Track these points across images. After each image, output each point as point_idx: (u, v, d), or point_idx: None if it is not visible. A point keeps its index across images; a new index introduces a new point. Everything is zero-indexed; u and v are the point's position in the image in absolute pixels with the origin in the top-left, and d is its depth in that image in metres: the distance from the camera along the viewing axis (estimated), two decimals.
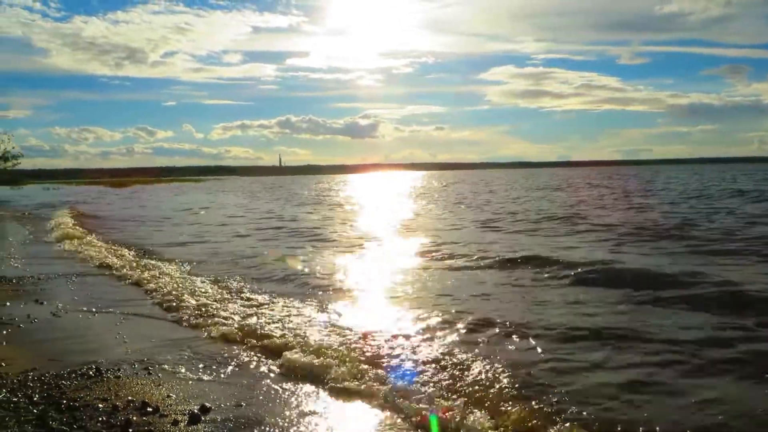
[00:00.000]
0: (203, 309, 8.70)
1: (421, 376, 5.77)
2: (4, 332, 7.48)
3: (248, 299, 9.45)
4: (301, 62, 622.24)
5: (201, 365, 6.26)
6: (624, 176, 74.90)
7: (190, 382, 5.75)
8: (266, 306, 8.90)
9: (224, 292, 10.07)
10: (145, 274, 11.65)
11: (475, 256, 12.70)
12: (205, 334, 7.49)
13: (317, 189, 64.85)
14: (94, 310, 8.87)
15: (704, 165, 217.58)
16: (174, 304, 9.14)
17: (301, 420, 4.90)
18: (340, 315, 8.28)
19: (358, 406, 5.22)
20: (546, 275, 10.55)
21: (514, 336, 6.95)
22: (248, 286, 10.52)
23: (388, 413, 5.06)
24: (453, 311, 8.10)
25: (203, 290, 10.20)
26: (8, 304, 9.11)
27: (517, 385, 5.39)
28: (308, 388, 5.62)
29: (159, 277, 11.39)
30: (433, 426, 4.80)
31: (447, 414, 4.91)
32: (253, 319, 8.03)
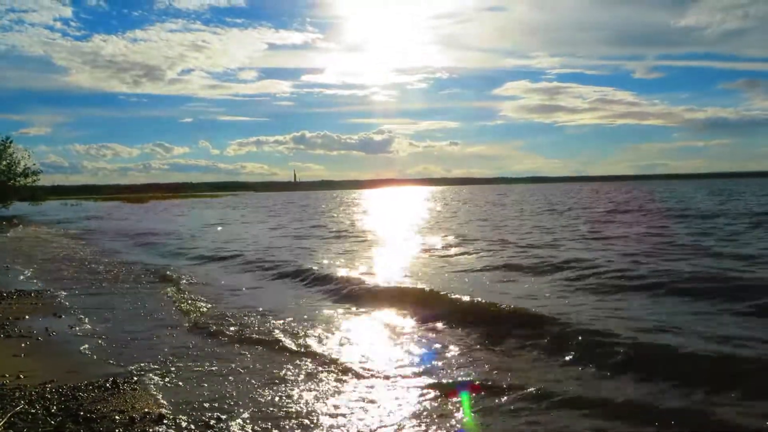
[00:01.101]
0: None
1: None
2: (23, 345, 7.56)
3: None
4: (316, 78, 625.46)
5: (218, 376, 6.28)
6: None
7: (207, 392, 5.76)
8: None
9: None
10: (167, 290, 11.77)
11: None
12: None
13: (333, 210, 64.74)
14: (111, 323, 8.96)
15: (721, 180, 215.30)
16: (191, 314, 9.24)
17: (331, 409, 4.89)
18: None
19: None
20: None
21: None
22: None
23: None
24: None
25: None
26: (27, 317, 9.22)
27: None
28: (332, 383, 5.61)
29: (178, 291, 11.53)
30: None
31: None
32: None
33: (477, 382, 5.82)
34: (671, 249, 14.70)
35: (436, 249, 17.20)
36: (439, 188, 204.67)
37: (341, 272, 12.66)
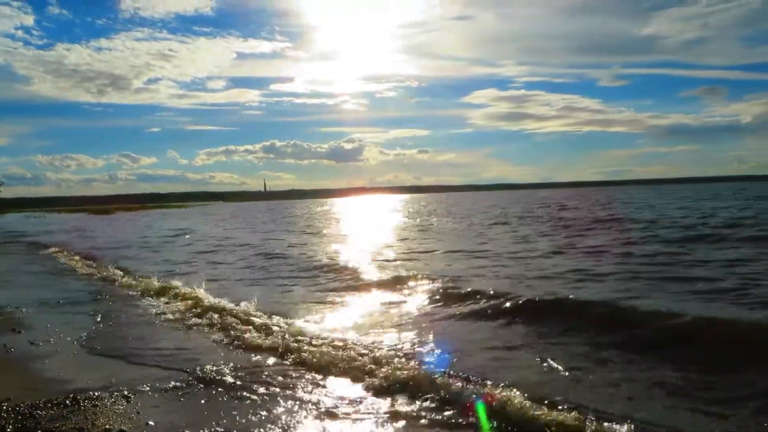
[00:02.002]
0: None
1: None
2: None
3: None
4: (286, 87, 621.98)
5: (182, 392, 6.17)
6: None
7: (170, 408, 5.65)
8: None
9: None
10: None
11: None
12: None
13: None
14: (72, 338, 8.73)
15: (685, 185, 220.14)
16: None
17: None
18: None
19: None
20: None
21: None
22: None
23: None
24: None
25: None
26: None
27: None
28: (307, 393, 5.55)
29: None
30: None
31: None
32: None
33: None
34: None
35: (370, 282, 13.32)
36: (410, 196, 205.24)
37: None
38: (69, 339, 8.63)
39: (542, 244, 19.05)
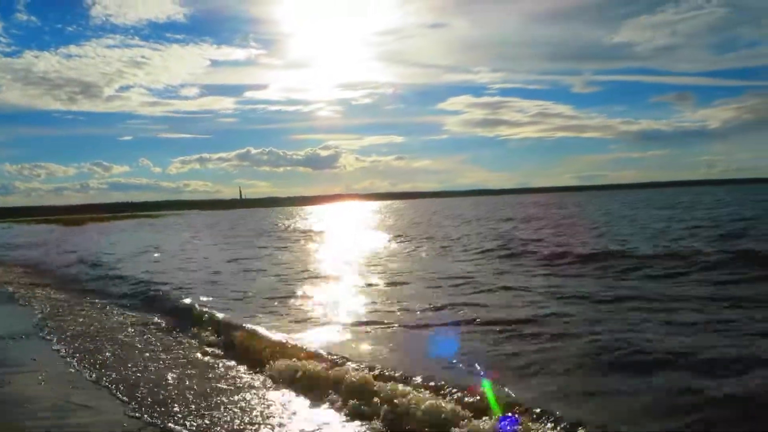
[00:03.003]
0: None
1: None
2: None
3: None
4: (260, 95, 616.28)
5: None
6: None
7: None
8: None
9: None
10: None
11: None
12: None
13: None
14: (39, 375, 8.51)
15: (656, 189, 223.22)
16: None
17: None
18: None
19: None
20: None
21: None
22: None
23: None
24: None
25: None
26: None
27: None
28: None
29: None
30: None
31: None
32: None
33: None
34: None
35: None
36: (386, 203, 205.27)
37: None
38: (34, 377, 8.43)
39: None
